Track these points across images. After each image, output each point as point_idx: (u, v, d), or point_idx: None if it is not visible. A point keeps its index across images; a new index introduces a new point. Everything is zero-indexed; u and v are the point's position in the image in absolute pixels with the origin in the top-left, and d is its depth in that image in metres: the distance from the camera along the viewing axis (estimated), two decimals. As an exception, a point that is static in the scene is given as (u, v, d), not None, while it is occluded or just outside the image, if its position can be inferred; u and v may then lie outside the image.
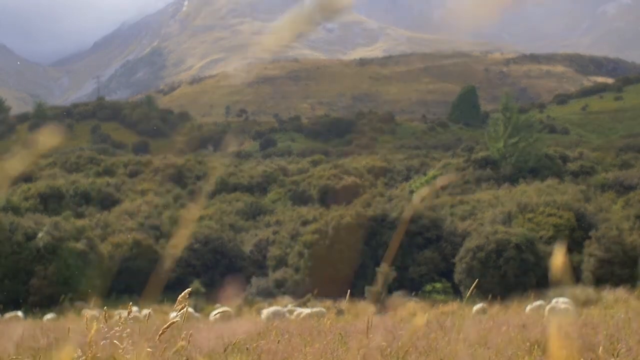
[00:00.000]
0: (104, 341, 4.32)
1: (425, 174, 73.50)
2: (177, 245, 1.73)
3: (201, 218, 58.50)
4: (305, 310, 28.85)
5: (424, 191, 2.08)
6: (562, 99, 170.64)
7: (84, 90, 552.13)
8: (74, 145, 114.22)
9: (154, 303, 40.12)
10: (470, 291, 4.79)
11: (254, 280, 49.60)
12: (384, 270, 44.14)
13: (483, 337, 12.50)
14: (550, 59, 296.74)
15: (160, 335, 3.82)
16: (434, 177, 66.46)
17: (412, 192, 64.86)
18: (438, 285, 46.70)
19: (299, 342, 11.88)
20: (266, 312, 28.51)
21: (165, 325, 3.73)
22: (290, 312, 29.97)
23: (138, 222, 56.60)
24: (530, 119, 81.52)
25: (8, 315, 34.67)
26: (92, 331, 3.82)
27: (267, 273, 51.25)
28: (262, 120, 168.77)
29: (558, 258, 2.10)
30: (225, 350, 10.04)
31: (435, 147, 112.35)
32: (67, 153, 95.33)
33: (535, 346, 11.02)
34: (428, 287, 46.57)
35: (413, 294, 44.04)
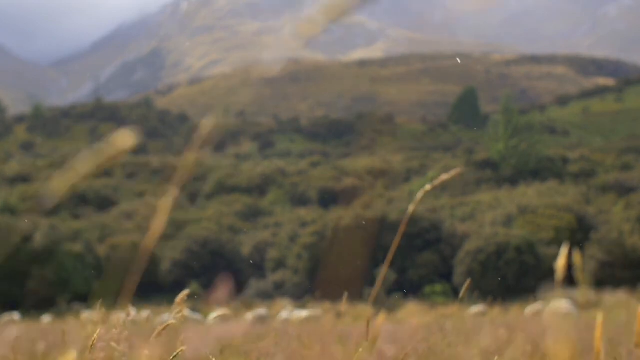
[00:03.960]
0: (101, 344, 4.07)
1: (425, 175, 73.30)
2: (151, 242, 1.44)
3: (199, 220, 58.29)
4: (303, 313, 28.59)
5: (428, 187, 1.92)
6: (563, 101, 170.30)
7: (82, 91, 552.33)
8: (71, 146, 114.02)
9: (152, 305, 39.87)
10: (464, 291, 4.63)
11: (252, 282, 49.38)
12: (384, 273, 43.87)
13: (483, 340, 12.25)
14: (550, 60, 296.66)
15: (156, 338, 3.58)
16: (434, 178, 66.22)
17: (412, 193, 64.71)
18: (438, 287, 46.45)
19: (298, 345, 11.65)
20: (251, 315, 28.25)
21: (161, 328, 3.50)
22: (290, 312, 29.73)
23: (136, 224, 56.35)
24: (530, 120, 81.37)
25: (4, 317, 34.41)
26: (95, 335, 3.58)
27: (266, 275, 51.04)
28: (261, 121, 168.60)
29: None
30: (222, 353, 9.79)
31: (435, 149, 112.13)
32: (65, 154, 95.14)
33: (532, 349, 10.77)
34: (428, 290, 46.33)
35: (413, 296, 43.83)
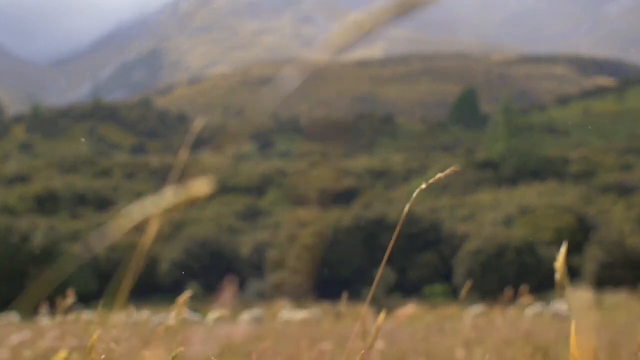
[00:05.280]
0: (100, 344, 3.97)
1: (425, 175, 73.21)
2: (147, 244, 1.40)
3: (199, 220, 58.16)
4: (302, 314, 28.47)
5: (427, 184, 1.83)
6: (563, 101, 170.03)
7: (81, 91, 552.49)
8: (70, 146, 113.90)
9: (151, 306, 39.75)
10: (464, 293, 4.59)
11: (251, 283, 49.28)
12: (384, 273, 43.80)
13: (483, 341, 12.16)
14: (551, 60, 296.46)
15: (155, 339, 3.47)
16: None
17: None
18: (438, 288, 46.35)
19: (297, 346, 11.56)
20: (247, 316, 28.10)
21: (161, 329, 3.38)
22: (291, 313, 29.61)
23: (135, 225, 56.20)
24: (530, 120, 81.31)
25: (3, 318, 34.29)
26: (95, 336, 3.46)
27: (266, 276, 50.93)
28: (260, 121, 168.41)
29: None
30: (221, 354, 9.72)
31: (435, 149, 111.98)
32: (64, 154, 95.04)
33: (537, 350, 10.66)
34: (428, 290, 46.22)
35: (413, 297, 43.72)
